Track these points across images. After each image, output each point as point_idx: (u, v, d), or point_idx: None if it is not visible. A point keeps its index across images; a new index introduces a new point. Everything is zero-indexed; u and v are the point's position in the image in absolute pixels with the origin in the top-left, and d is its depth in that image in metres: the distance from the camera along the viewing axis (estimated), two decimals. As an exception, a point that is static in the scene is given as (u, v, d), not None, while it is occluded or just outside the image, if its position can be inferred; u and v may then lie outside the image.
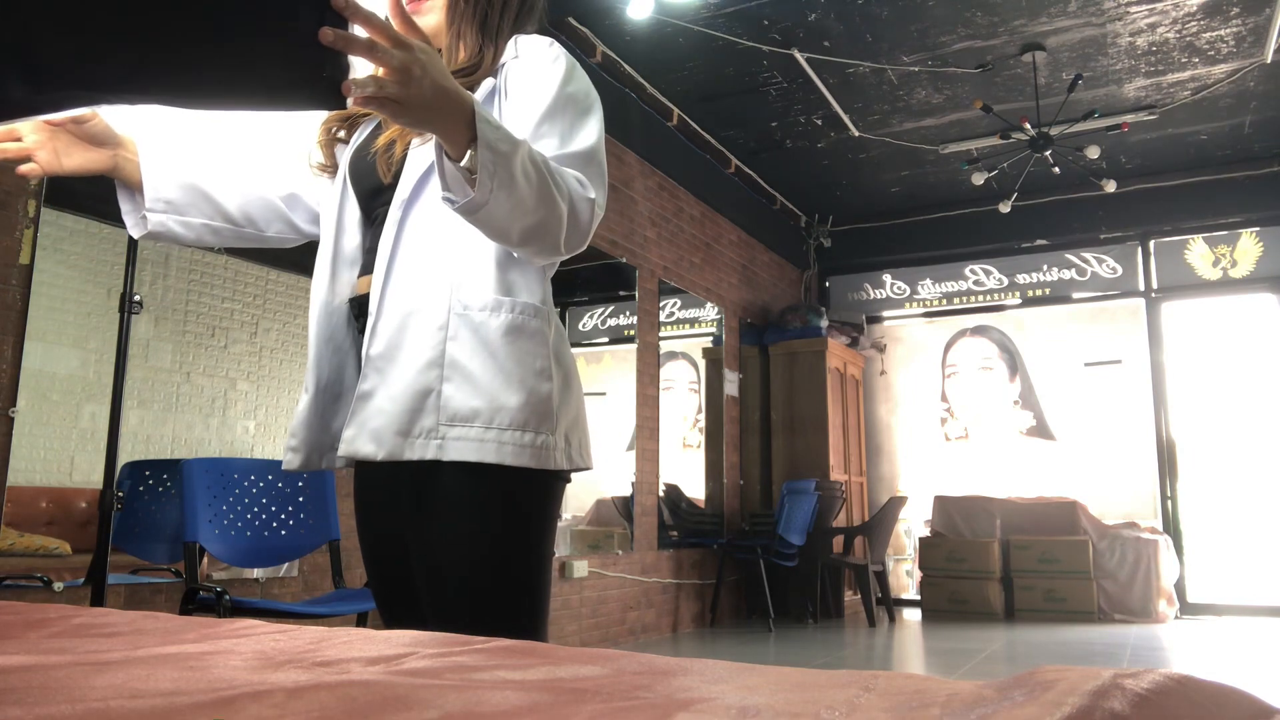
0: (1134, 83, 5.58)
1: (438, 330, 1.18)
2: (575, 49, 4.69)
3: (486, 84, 1.25)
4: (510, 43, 1.28)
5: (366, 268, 1.28)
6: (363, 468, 1.34)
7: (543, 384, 1.19)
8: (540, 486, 1.21)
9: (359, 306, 1.27)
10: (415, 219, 1.22)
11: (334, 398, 1.30)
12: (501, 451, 1.15)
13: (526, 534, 1.21)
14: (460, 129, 1.00)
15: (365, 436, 1.19)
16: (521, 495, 1.20)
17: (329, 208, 1.34)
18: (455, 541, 1.19)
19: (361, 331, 1.26)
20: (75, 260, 2.91)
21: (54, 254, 2.84)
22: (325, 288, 1.30)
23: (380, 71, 0.94)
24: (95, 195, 2.99)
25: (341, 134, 1.37)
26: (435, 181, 1.11)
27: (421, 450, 1.16)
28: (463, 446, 1.15)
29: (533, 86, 1.22)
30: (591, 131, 1.21)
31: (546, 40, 1.28)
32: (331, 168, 1.36)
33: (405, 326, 1.19)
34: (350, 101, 0.92)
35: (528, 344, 1.19)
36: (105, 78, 0.92)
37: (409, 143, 1.24)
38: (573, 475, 1.28)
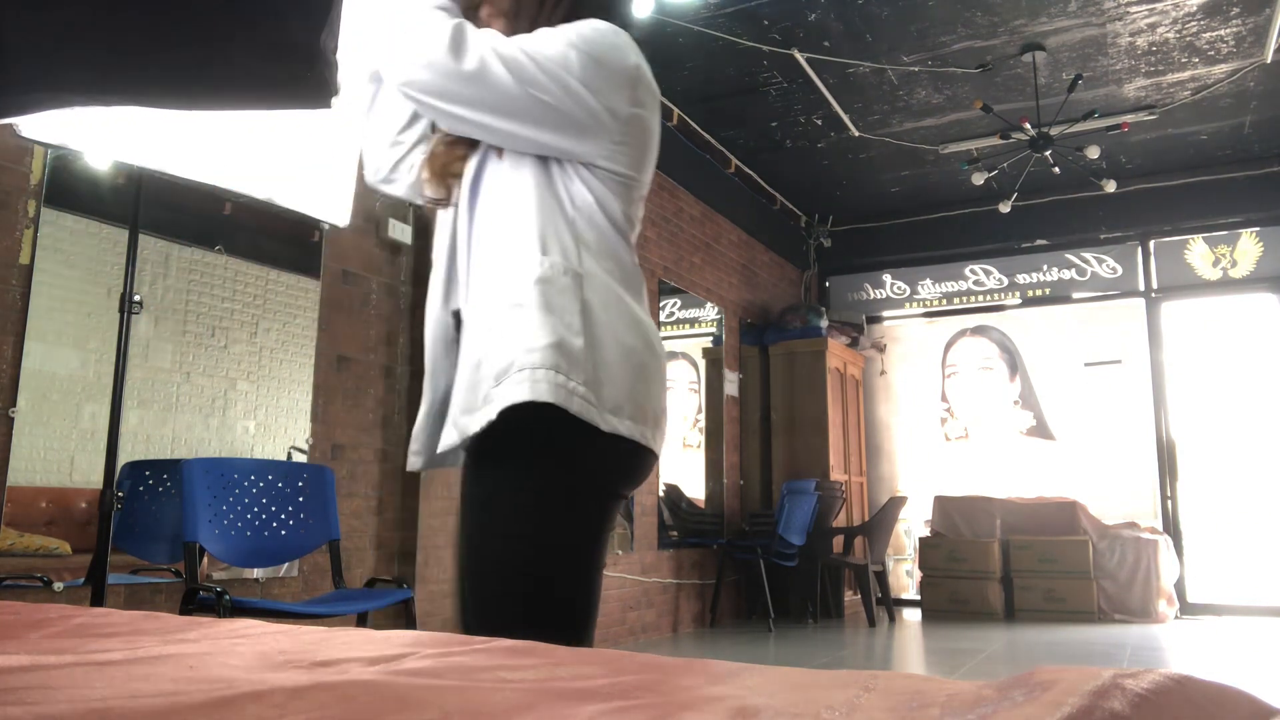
0: (1134, 83, 5.58)
1: (486, 304, 1.25)
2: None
3: None
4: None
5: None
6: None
7: (572, 338, 1.19)
8: (581, 446, 1.19)
9: (458, 317, 1.36)
10: (479, 223, 1.31)
11: (447, 405, 1.36)
12: (536, 389, 1.15)
13: (540, 497, 1.20)
14: None
15: (449, 428, 1.26)
16: (558, 454, 1.20)
17: (443, 229, 1.40)
18: (469, 507, 1.25)
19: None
20: (75, 260, 2.91)
21: (54, 254, 2.84)
22: (439, 304, 1.37)
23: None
24: (95, 195, 2.99)
25: (456, 168, 1.40)
26: (487, 179, 1.29)
27: (480, 420, 1.20)
28: (504, 392, 1.17)
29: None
30: (542, 41, 1.24)
31: (597, 21, 1.30)
32: (445, 202, 1.41)
33: (472, 311, 1.27)
34: (334, 101, 0.93)
35: (557, 298, 1.20)
36: (77, 80, 0.92)
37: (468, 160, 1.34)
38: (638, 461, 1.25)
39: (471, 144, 1.34)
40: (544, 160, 1.27)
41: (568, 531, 1.21)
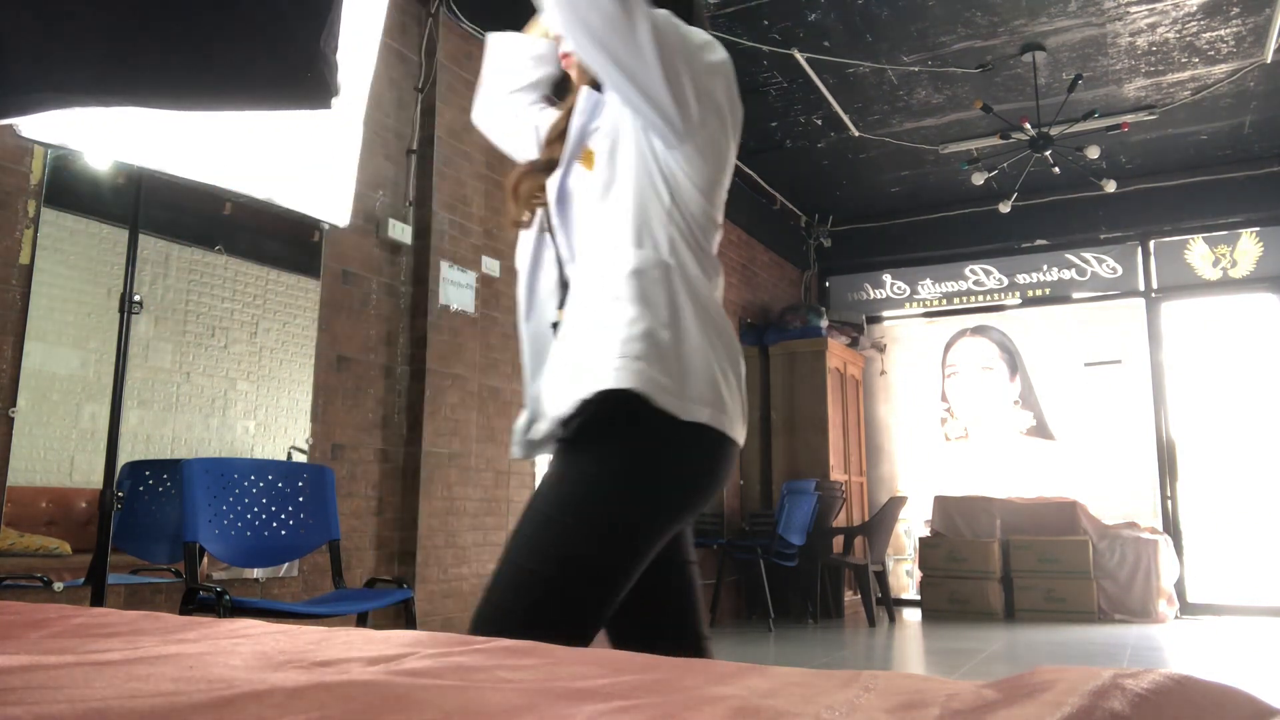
0: (1134, 83, 5.58)
1: (585, 302, 1.30)
2: (575, 49, 4.69)
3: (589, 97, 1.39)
4: None
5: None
6: None
7: (661, 330, 1.23)
8: (649, 430, 1.21)
9: (557, 328, 1.41)
10: (572, 218, 1.37)
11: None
12: (623, 376, 1.19)
13: (615, 479, 1.22)
14: None
15: (547, 419, 1.29)
16: (639, 443, 1.22)
17: (525, 246, 1.47)
18: (542, 483, 1.28)
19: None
20: (75, 260, 2.91)
21: (54, 254, 2.84)
22: (524, 316, 1.45)
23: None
24: (95, 195, 2.99)
25: (539, 195, 1.47)
26: (574, 178, 1.36)
27: (571, 401, 1.23)
28: (603, 379, 1.20)
29: None
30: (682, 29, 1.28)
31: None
32: (529, 224, 1.48)
33: (571, 312, 1.32)
34: (334, 102, 0.93)
35: (649, 289, 1.24)
36: (77, 80, 0.92)
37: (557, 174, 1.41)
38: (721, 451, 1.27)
39: (549, 166, 1.41)
40: (643, 157, 1.31)
41: (630, 515, 1.22)
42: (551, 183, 1.41)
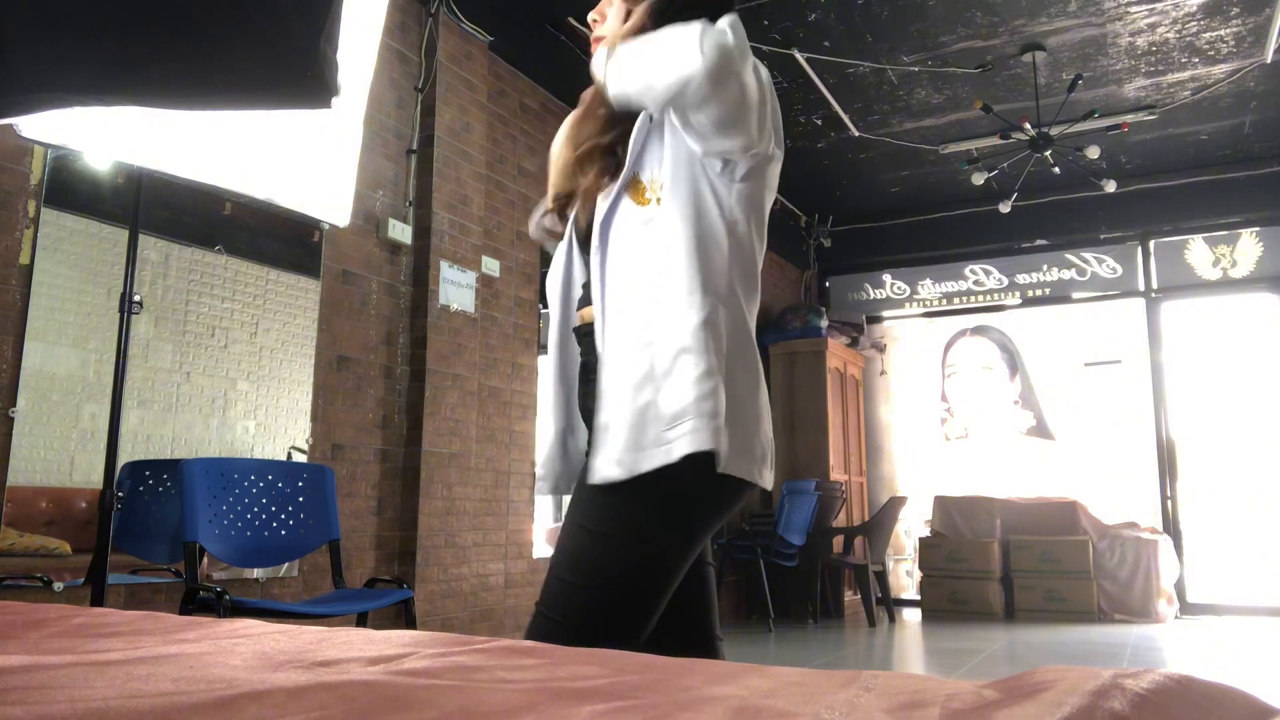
0: (1134, 83, 5.58)
1: (644, 348, 1.28)
2: (576, 48, 4.69)
3: (640, 119, 1.38)
4: None
5: (585, 300, 1.43)
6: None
7: (724, 387, 1.26)
8: (710, 484, 1.26)
9: (579, 333, 1.44)
10: (613, 252, 1.35)
11: (571, 429, 1.47)
12: (716, 438, 1.22)
13: (644, 530, 1.27)
14: None
15: (609, 463, 1.29)
16: (660, 491, 1.26)
17: (559, 258, 1.49)
18: (580, 499, 1.33)
19: (584, 355, 1.42)
20: (75, 260, 2.91)
21: (54, 254, 2.84)
22: (558, 326, 1.45)
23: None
24: (95, 195, 2.99)
25: (567, 208, 1.49)
26: (621, 211, 1.34)
27: (653, 459, 1.24)
28: (684, 442, 1.23)
29: None
30: (695, 26, 1.25)
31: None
32: (559, 234, 1.51)
33: (622, 353, 1.31)
34: (334, 101, 0.93)
35: (713, 341, 1.26)
36: (78, 80, 0.92)
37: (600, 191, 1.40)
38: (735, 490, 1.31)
39: (613, 172, 1.39)
40: (701, 195, 1.31)
41: (671, 548, 1.28)
42: (601, 205, 1.38)
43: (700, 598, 1.43)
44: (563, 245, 1.49)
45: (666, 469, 1.23)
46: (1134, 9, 4.79)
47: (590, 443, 1.35)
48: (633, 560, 1.26)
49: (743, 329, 1.32)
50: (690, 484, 1.25)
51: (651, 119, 1.35)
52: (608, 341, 1.33)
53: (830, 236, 7.96)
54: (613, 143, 1.40)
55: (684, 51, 1.20)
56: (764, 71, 1.31)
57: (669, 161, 1.31)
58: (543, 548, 4.80)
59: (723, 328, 1.27)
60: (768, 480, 1.33)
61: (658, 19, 1.35)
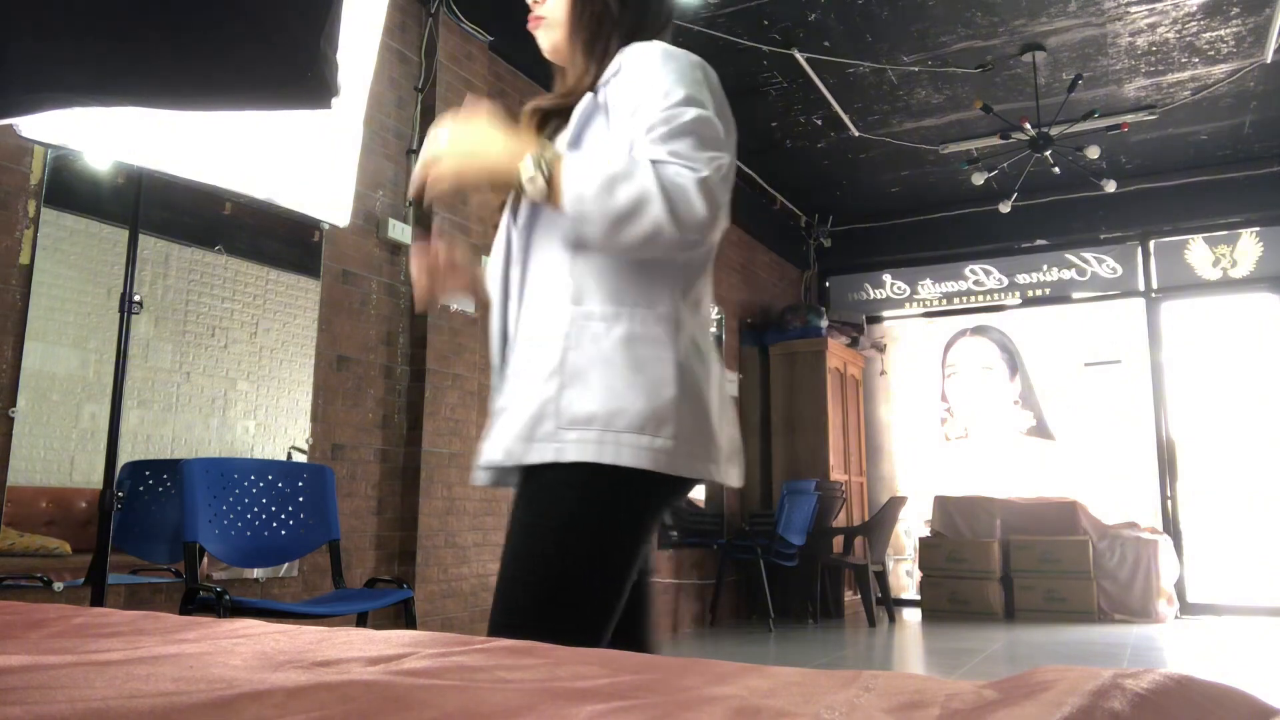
0: (1134, 83, 5.58)
1: (560, 340, 1.23)
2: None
3: (584, 102, 1.31)
4: (616, 57, 1.31)
5: None
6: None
7: (664, 390, 1.20)
8: (641, 489, 1.21)
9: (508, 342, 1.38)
10: (538, 241, 1.30)
11: None
12: (620, 453, 1.17)
13: (597, 532, 1.21)
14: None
15: (496, 446, 1.26)
16: (615, 493, 1.20)
17: (497, 249, 1.42)
18: (519, 526, 1.24)
19: None
20: (75, 260, 2.91)
21: (54, 254, 2.84)
22: (498, 316, 1.38)
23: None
24: (95, 195, 2.99)
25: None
26: (546, 210, 1.25)
27: (540, 453, 1.20)
28: (581, 448, 1.18)
29: (628, 92, 1.25)
30: (685, 110, 1.20)
31: (648, 44, 1.30)
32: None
33: (534, 342, 1.26)
34: (334, 102, 0.93)
35: (649, 351, 1.21)
36: (78, 80, 0.91)
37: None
38: (695, 487, 1.29)
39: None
40: None
41: (610, 546, 1.23)
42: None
43: (638, 608, 1.37)
44: (500, 236, 1.41)
45: (587, 473, 1.18)
46: (1134, 9, 4.79)
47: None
48: (578, 555, 1.21)
49: (691, 342, 1.25)
50: (635, 491, 1.20)
51: (595, 101, 1.30)
52: (521, 328, 1.30)
53: (830, 236, 7.96)
54: (555, 130, 1.36)
55: (675, 211, 1.12)
56: (726, 109, 1.30)
57: (608, 146, 1.25)
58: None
59: (663, 340, 1.22)
60: (724, 475, 1.26)
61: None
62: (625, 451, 1.17)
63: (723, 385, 1.32)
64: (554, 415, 1.20)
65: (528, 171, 1.17)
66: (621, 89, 1.26)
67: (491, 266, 1.42)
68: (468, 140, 1.23)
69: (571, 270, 1.25)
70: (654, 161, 1.15)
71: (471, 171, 1.23)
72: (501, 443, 1.25)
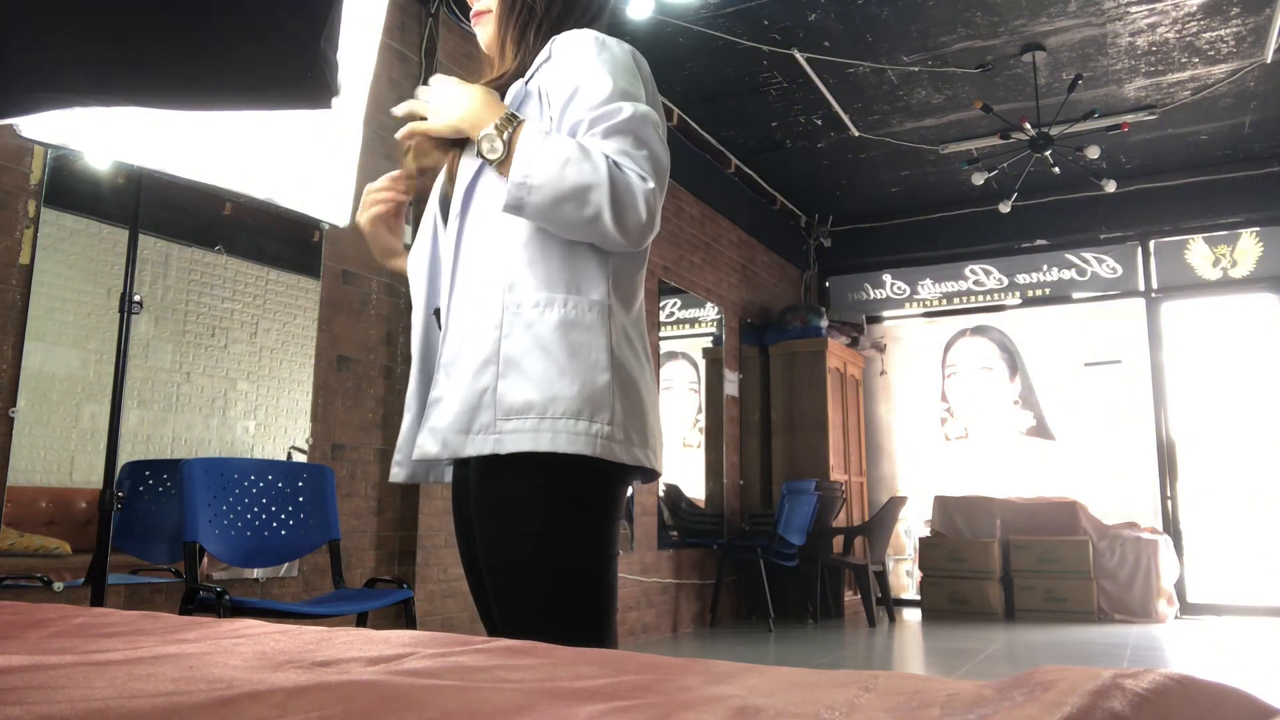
0: (1134, 83, 5.58)
1: (494, 329, 1.22)
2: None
3: (514, 88, 1.31)
4: (546, 45, 1.32)
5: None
6: (455, 476, 1.36)
7: (598, 376, 1.19)
8: (593, 478, 1.20)
9: (438, 315, 1.35)
10: (472, 224, 1.29)
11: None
12: (556, 440, 1.16)
13: (575, 529, 1.20)
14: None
15: (431, 438, 1.25)
16: (571, 487, 1.20)
17: (423, 235, 1.41)
18: (499, 540, 1.22)
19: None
20: (75, 260, 2.91)
21: (54, 254, 2.84)
22: (422, 306, 1.37)
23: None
24: (95, 195, 2.99)
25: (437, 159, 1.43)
26: (484, 185, 1.27)
27: (479, 445, 1.19)
28: (518, 438, 1.17)
29: (561, 79, 1.26)
30: (622, 105, 1.22)
31: (580, 31, 1.31)
32: (422, 177, 1.46)
33: (467, 330, 1.25)
34: (334, 102, 0.93)
35: (582, 337, 1.21)
36: (78, 80, 0.91)
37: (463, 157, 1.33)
38: (643, 479, 1.28)
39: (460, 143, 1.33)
40: None
41: (602, 542, 1.23)
42: (463, 174, 1.31)
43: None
44: (426, 221, 1.40)
45: (536, 464, 1.18)
46: (1134, 9, 4.79)
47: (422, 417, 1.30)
48: (565, 551, 1.20)
49: (625, 333, 1.25)
50: (569, 478, 1.20)
51: (525, 87, 1.30)
52: (453, 316, 1.28)
53: (830, 236, 7.96)
54: None
55: (616, 207, 1.15)
56: (657, 98, 1.31)
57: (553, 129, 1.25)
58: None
59: (595, 326, 1.21)
60: (655, 462, 1.26)
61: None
62: (562, 438, 1.17)
63: (656, 384, 1.33)
64: (491, 406, 1.19)
65: (490, 131, 1.20)
66: (554, 75, 1.27)
67: (419, 244, 1.41)
68: (452, 92, 1.28)
69: (503, 256, 1.24)
70: (609, 157, 1.17)
71: (450, 118, 1.26)
72: (438, 435, 1.24)
